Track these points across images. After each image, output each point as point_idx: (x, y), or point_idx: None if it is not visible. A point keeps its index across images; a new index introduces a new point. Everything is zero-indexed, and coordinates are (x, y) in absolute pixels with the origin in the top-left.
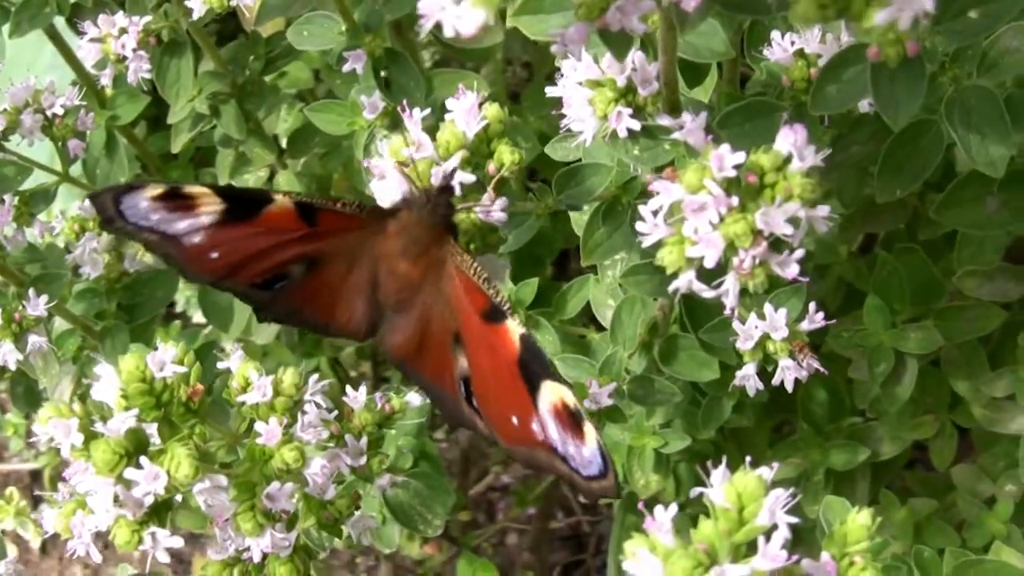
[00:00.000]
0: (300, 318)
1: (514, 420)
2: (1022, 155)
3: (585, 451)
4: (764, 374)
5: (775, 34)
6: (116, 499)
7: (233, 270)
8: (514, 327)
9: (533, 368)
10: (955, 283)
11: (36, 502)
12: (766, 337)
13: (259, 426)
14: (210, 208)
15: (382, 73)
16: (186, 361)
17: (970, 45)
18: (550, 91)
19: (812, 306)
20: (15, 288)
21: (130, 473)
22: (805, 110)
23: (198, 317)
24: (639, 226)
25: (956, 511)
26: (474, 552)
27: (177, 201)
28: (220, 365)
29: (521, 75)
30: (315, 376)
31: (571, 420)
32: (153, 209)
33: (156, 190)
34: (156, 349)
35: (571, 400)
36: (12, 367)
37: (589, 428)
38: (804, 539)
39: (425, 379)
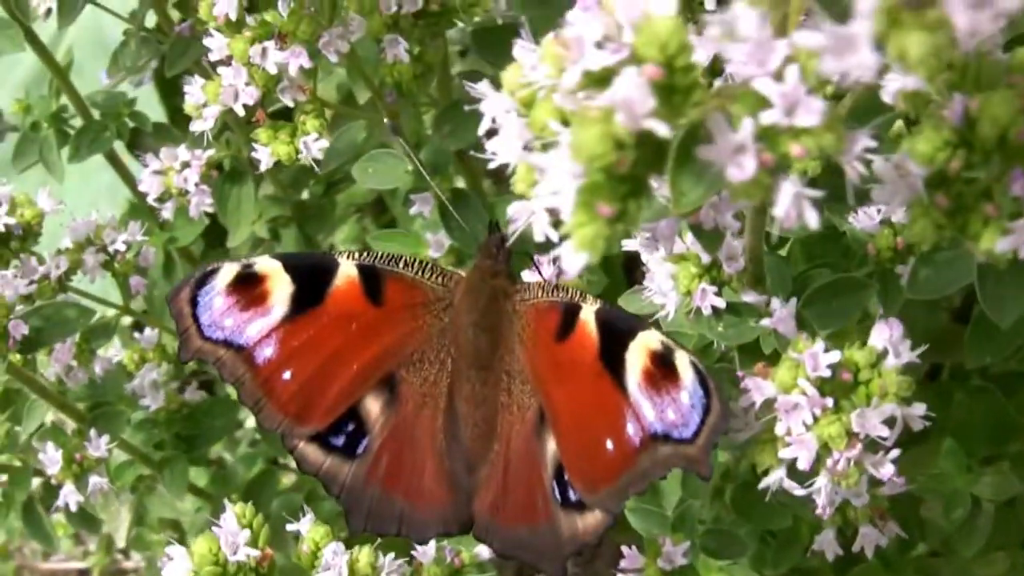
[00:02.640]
0: (390, 508)
1: (609, 446)
2: None
3: (683, 396)
4: (842, 536)
5: None
6: None
7: (308, 401)
8: (588, 312)
9: (615, 334)
10: None
11: None
12: (846, 503)
13: None
14: (280, 293)
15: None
16: (255, 525)
17: None
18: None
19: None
20: (76, 425)
21: None
22: (891, 279)
23: None
24: (732, 422)
25: None
26: None
27: (249, 290)
28: (290, 528)
29: None
30: (391, 555)
31: (663, 371)
32: (227, 309)
33: (230, 273)
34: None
35: (656, 341)
36: (74, 508)
37: (681, 356)
38: None
39: (520, 523)
